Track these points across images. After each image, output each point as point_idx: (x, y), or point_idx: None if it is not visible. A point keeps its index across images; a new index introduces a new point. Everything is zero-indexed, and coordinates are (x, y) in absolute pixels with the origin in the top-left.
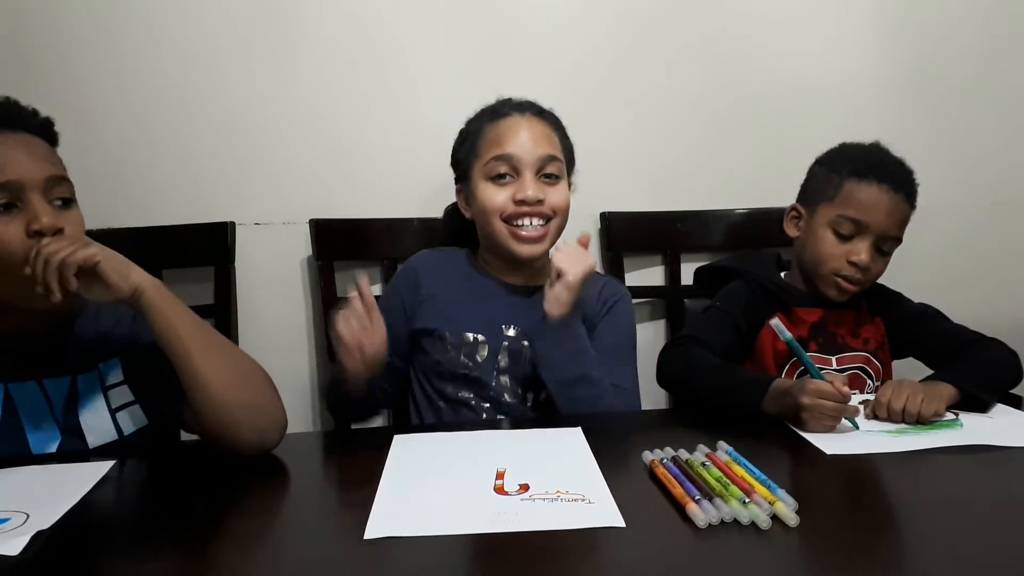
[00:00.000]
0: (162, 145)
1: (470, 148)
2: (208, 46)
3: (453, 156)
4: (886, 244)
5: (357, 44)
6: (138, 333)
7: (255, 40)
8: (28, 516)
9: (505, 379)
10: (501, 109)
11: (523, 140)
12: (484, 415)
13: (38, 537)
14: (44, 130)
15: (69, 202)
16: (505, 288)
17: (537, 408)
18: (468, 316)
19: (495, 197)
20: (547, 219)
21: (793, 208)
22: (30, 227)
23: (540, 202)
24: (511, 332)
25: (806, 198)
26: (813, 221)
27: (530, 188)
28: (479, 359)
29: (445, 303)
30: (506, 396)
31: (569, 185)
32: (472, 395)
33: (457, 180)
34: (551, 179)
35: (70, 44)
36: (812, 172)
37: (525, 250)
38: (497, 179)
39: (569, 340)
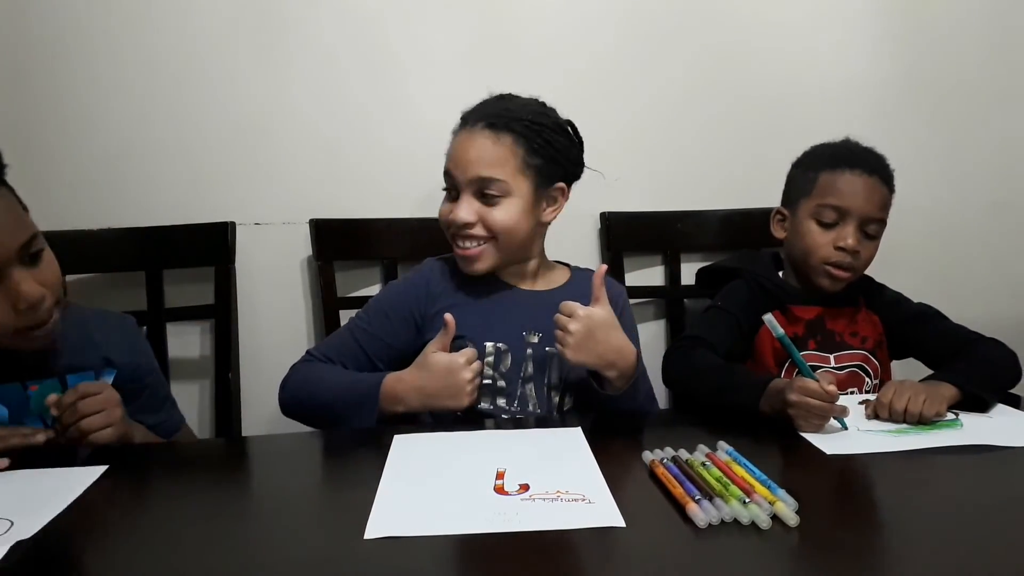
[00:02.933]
0: (162, 145)
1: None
2: (208, 46)
3: None
4: (870, 227)
5: (357, 44)
6: (138, 352)
7: (255, 40)
8: (12, 523)
9: (531, 387)
10: (465, 117)
11: (462, 160)
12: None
13: (19, 546)
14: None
15: (39, 254)
16: (523, 294)
17: (564, 413)
18: (488, 325)
19: (443, 212)
20: (484, 239)
21: (777, 211)
22: (17, 307)
23: (468, 225)
24: (534, 339)
25: (787, 199)
26: (796, 217)
27: (462, 210)
28: (503, 369)
29: (463, 313)
30: (531, 405)
31: (550, 197)
32: (494, 406)
33: None
34: (493, 199)
35: (70, 44)
36: (790, 175)
37: (466, 268)
38: (448, 194)
39: (632, 391)
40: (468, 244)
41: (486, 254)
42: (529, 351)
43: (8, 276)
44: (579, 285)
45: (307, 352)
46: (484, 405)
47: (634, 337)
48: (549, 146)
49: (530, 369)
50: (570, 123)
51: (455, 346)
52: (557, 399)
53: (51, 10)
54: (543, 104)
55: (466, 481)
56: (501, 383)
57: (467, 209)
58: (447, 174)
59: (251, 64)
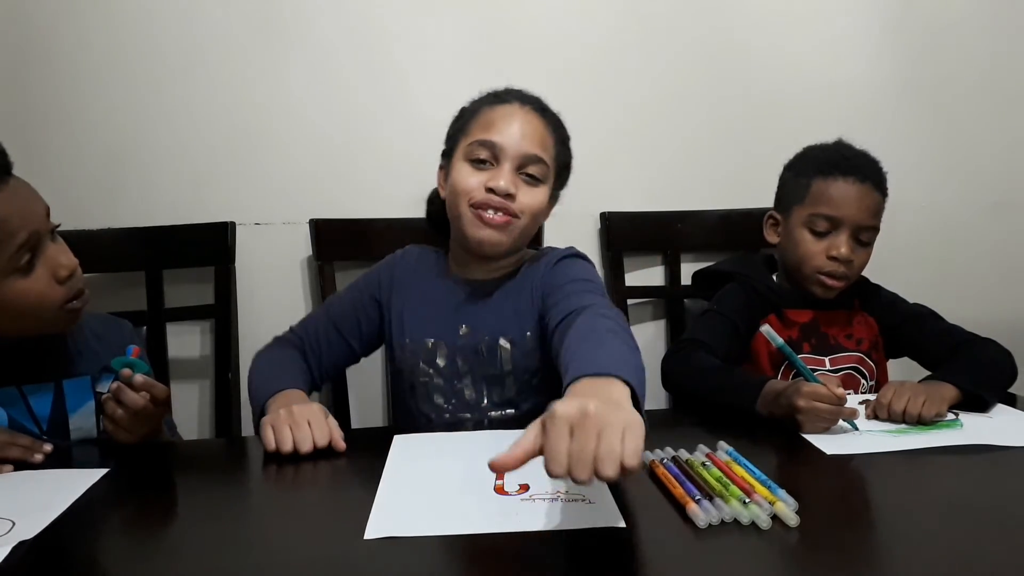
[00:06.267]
0: (162, 145)
1: (461, 126)
2: (208, 46)
3: (448, 131)
4: (863, 235)
5: (357, 43)
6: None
7: (255, 40)
8: (14, 523)
9: (468, 381)
10: (504, 95)
11: (513, 131)
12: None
13: (21, 547)
14: (8, 161)
15: (55, 231)
16: (463, 285)
17: (500, 407)
18: (426, 321)
19: (468, 179)
20: (514, 216)
21: (770, 216)
22: (59, 275)
23: (510, 196)
24: (463, 331)
25: (780, 204)
26: (789, 224)
27: (503, 179)
28: (440, 365)
29: (408, 309)
30: (467, 395)
31: (554, 197)
32: (430, 404)
33: (443, 155)
34: (531, 180)
35: (70, 44)
36: (782, 179)
37: (484, 234)
38: (476, 163)
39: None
40: (500, 213)
41: (510, 229)
42: (459, 344)
43: (44, 249)
44: (526, 272)
45: (289, 328)
46: (422, 408)
47: (582, 280)
48: (566, 150)
49: (463, 364)
50: None
51: (408, 347)
52: (494, 394)
53: (51, 10)
54: None
55: (466, 481)
56: (438, 380)
57: (510, 178)
58: (485, 144)
59: (251, 64)
